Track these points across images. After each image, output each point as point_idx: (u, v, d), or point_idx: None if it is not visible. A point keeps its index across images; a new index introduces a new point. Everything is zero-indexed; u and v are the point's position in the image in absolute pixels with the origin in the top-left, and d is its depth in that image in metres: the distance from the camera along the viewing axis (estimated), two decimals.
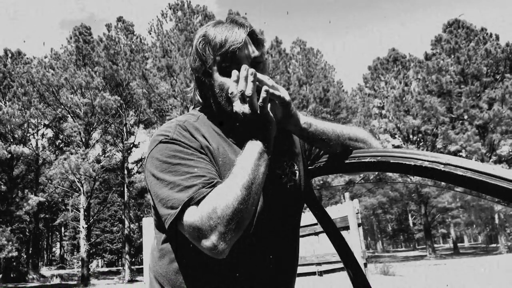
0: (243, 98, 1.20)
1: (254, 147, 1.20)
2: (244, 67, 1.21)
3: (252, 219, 1.26)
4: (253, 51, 1.30)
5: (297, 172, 1.44)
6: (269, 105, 1.23)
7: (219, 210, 1.09)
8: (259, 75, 1.22)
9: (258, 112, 1.20)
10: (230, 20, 1.33)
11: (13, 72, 35.24)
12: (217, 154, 1.30)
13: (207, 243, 1.09)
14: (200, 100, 1.44)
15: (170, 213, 1.16)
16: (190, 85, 1.51)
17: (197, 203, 1.13)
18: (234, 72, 1.23)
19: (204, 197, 1.13)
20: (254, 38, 1.32)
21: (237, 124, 1.26)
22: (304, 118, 1.31)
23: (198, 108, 1.48)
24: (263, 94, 1.19)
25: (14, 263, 34.23)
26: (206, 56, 1.32)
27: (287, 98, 1.23)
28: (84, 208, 32.70)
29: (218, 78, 1.31)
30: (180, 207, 1.14)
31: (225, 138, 1.36)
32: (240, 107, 1.21)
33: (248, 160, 1.17)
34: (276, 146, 1.29)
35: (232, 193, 1.10)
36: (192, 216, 1.12)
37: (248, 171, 1.15)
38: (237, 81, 1.21)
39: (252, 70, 1.21)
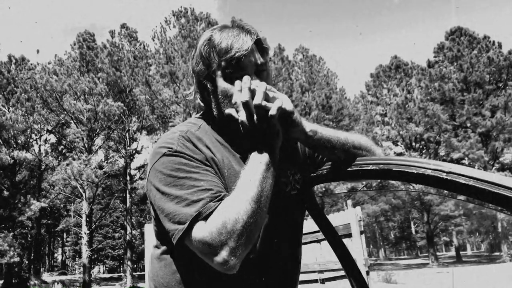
0: (248, 108, 1.17)
1: (261, 158, 1.17)
2: (247, 77, 1.20)
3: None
4: (258, 58, 1.29)
5: (300, 180, 1.44)
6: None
7: (229, 225, 1.06)
8: (260, 84, 1.20)
9: (265, 123, 1.17)
10: (237, 26, 1.32)
11: (16, 78, 35.39)
12: (222, 165, 1.28)
13: (218, 259, 1.07)
14: (201, 103, 1.42)
15: (177, 228, 1.13)
16: (190, 87, 1.48)
17: (206, 218, 1.11)
18: (237, 82, 1.21)
19: (212, 211, 1.11)
20: (260, 46, 1.31)
21: (241, 134, 1.23)
22: (310, 126, 1.28)
23: (198, 115, 1.46)
24: (274, 106, 1.16)
25: (16, 269, 34.19)
26: (210, 61, 1.30)
27: (290, 108, 1.20)
28: (86, 214, 32.69)
29: (221, 84, 1.29)
30: (188, 222, 1.11)
31: (229, 148, 1.34)
32: (245, 117, 1.18)
33: (256, 172, 1.14)
34: (280, 154, 1.28)
35: (242, 207, 1.08)
36: (201, 231, 1.10)
37: (256, 183, 1.12)
38: (240, 91, 1.19)
39: (261, 82, 1.20)
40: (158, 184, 1.21)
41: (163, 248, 1.38)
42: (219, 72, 1.29)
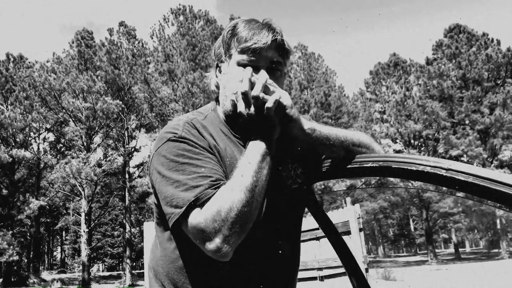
0: (246, 99, 1.21)
1: (257, 149, 1.20)
2: (248, 68, 1.24)
3: (256, 219, 1.27)
4: (274, 56, 1.32)
5: (302, 174, 1.44)
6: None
7: (223, 213, 1.09)
8: (260, 77, 1.24)
9: (264, 114, 1.20)
10: (265, 23, 1.36)
11: (15, 76, 35.34)
12: (224, 154, 1.31)
13: (211, 246, 1.10)
14: (216, 89, 1.46)
15: (174, 212, 1.17)
16: (210, 70, 1.52)
17: (202, 205, 1.13)
18: (239, 73, 1.26)
19: (209, 198, 1.13)
20: (281, 46, 1.34)
21: (240, 123, 1.28)
22: (308, 123, 1.30)
23: (210, 105, 1.50)
24: (272, 99, 1.19)
25: (15, 267, 34.20)
26: (230, 46, 1.35)
27: (288, 102, 1.22)
28: (85, 212, 32.69)
29: (233, 68, 1.33)
30: (185, 207, 1.14)
31: (232, 139, 1.37)
32: (243, 107, 1.22)
33: (252, 162, 1.17)
34: (282, 148, 1.29)
35: (237, 195, 1.11)
36: (196, 217, 1.13)
37: (251, 173, 1.15)
38: (241, 81, 1.23)
39: (262, 75, 1.24)
40: (160, 168, 1.24)
41: (165, 237, 1.40)
42: (234, 57, 1.33)
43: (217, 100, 1.48)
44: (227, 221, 1.09)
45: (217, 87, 1.45)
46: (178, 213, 1.15)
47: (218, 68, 1.43)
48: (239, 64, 1.31)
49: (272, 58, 1.31)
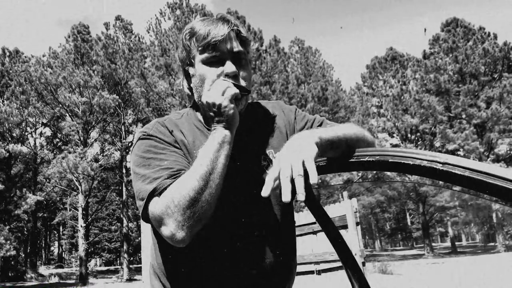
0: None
1: (216, 138, 1.24)
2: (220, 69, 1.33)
3: (238, 212, 1.32)
4: (236, 46, 1.35)
5: None
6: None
7: (176, 200, 1.14)
8: None
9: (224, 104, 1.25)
10: (219, 17, 1.39)
11: (11, 71, 35.22)
12: (192, 147, 1.36)
13: (166, 231, 1.15)
14: (188, 92, 1.49)
15: (140, 204, 1.23)
16: (179, 76, 1.55)
17: (160, 194, 1.19)
18: (211, 72, 1.33)
19: (166, 187, 1.18)
20: (239, 36, 1.38)
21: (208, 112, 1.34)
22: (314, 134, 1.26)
23: (189, 105, 1.55)
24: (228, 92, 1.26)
25: (12, 262, 34.21)
26: (191, 47, 1.38)
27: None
28: (82, 207, 32.66)
29: (199, 68, 1.37)
30: (146, 198, 1.20)
31: (204, 132, 1.41)
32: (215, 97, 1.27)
33: (208, 151, 1.21)
34: (262, 138, 1.34)
35: (189, 183, 1.15)
36: (154, 206, 1.18)
37: (206, 161, 1.19)
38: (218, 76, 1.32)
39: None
40: (132, 165, 1.33)
41: (155, 231, 1.42)
42: (198, 57, 1.37)
43: (193, 104, 1.52)
44: (180, 207, 1.13)
45: (190, 89, 1.47)
46: (142, 205, 1.22)
47: (185, 72, 1.46)
48: (204, 62, 1.35)
49: (232, 49, 1.34)
